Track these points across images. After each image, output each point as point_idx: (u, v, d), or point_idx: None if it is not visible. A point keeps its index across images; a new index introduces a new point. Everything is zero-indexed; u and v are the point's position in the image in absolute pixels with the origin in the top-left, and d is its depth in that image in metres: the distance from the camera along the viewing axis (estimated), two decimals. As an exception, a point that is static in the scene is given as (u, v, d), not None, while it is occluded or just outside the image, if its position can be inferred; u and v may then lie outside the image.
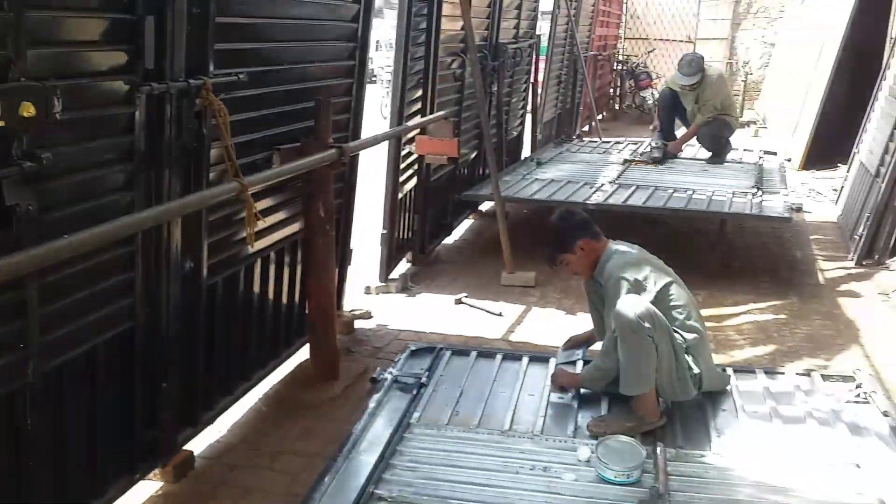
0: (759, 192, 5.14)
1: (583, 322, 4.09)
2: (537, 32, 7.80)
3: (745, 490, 2.48)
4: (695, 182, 5.49)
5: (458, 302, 4.49)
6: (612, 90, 14.07)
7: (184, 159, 2.35)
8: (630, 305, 2.74)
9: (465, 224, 6.21)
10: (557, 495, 2.48)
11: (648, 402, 2.83)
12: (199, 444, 2.83)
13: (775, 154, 6.94)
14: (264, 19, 2.88)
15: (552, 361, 3.44)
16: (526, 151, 7.64)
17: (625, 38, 15.46)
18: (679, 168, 6.11)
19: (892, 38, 6.72)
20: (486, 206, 6.50)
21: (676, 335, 2.85)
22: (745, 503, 2.40)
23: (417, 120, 4.52)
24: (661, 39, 15.31)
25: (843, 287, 4.69)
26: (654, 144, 6.42)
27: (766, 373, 3.28)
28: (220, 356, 2.90)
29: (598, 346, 3.33)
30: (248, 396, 3.19)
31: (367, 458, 2.73)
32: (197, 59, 2.36)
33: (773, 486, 2.49)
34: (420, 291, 4.70)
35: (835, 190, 7.07)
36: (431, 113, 4.71)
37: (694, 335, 2.90)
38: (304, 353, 3.59)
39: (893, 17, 6.99)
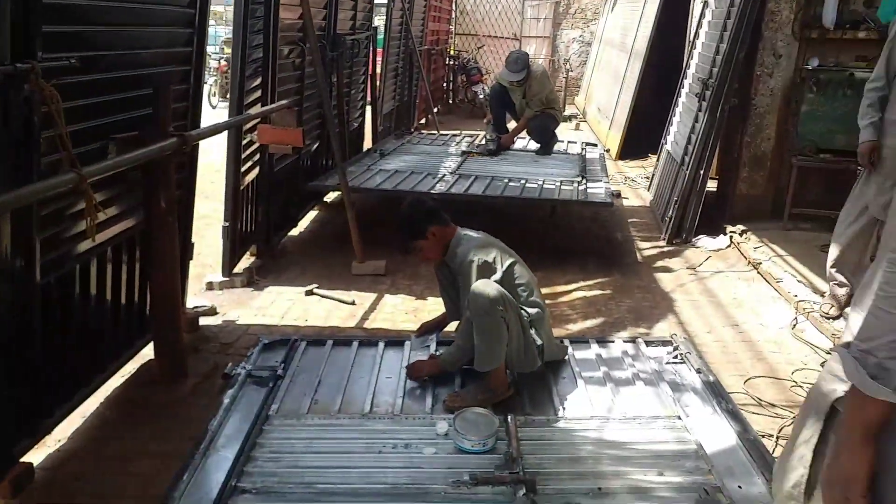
0: (584, 181, 5.59)
1: (433, 306, 4.25)
2: (374, 24, 7.86)
3: (587, 447, 2.74)
4: (526, 172, 5.85)
5: (310, 293, 4.47)
6: (444, 84, 14.47)
7: (12, 149, 2.16)
8: (483, 289, 2.91)
9: (311, 215, 6.16)
10: (419, 469, 2.59)
11: (499, 377, 3.03)
12: (38, 455, 2.62)
13: (596, 146, 7.55)
14: (96, 1, 2.71)
15: (407, 345, 3.56)
16: (367, 143, 7.70)
17: (455, 34, 15.94)
18: (512, 159, 6.47)
19: (689, 42, 7.55)
20: (330, 198, 6.51)
21: (522, 311, 3.08)
22: (587, 459, 2.66)
23: (259, 109, 4.42)
24: (490, 36, 15.98)
25: (658, 264, 5.24)
26: (488, 137, 6.75)
27: (597, 342, 3.62)
28: (57, 360, 2.70)
29: (451, 326, 3.51)
30: (90, 401, 3.00)
31: (226, 453, 2.69)
32: (24, 41, 2.18)
33: (610, 442, 2.77)
34: (267, 285, 4.61)
35: (647, 178, 7.83)
36: (272, 102, 4.63)
37: (536, 310, 3.14)
38: (147, 353, 3.42)
39: (691, 23, 7.85)
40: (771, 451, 2.75)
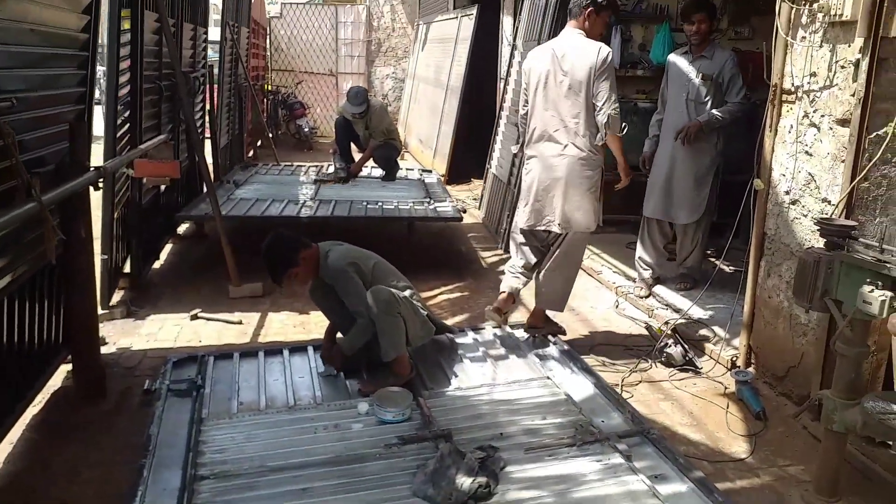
0: (432, 201, 6.30)
1: (318, 317, 4.66)
2: (208, 61, 8.06)
3: (484, 407, 3.37)
4: (379, 196, 6.45)
5: (195, 317, 4.67)
6: (265, 118, 14.66)
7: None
8: (377, 296, 3.44)
9: (167, 248, 6.25)
10: (352, 441, 3.06)
11: (403, 362, 3.57)
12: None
13: (431, 172, 8.34)
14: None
15: (310, 350, 3.97)
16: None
17: (272, 70, 16.20)
18: (362, 185, 7.03)
19: (501, 79, 8.63)
20: (182, 230, 6.62)
21: (406, 291, 3.66)
22: (486, 415, 3.28)
23: (141, 144, 4.59)
24: (307, 72, 16.44)
25: (501, 268, 6.03)
26: (337, 165, 7.26)
27: (472, 330, 4.29)
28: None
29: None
30: (14, 429, 3.08)
31: (173, 452, 2.97)
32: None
33: (500, 400, 3.43)
34: (147, 314, 4.73)
35: (474, 199, 8.76)
36: (140, 137, 4.81)
37: (410, 290, 3.73)
38: (58, 378, 3.52)
39: (500, 63, 8.96)
40: (618, 396, 3.54)
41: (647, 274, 5.23)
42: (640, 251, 5.31)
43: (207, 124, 7.74)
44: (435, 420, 3.18)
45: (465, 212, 6.31)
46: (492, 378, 3.69)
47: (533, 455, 2.97)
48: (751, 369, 3.78)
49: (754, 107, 6.10)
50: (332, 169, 7.36)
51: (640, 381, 3.87)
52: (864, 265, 2.36)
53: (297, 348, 4.00)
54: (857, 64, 2.96)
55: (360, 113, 7.05)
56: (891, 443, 2.98)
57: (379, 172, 7.50)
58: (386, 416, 3.20)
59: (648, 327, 4.26)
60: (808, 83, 3.27)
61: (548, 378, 3.69)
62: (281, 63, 16.39)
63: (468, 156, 9.93)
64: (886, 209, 3.03)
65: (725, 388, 3.74)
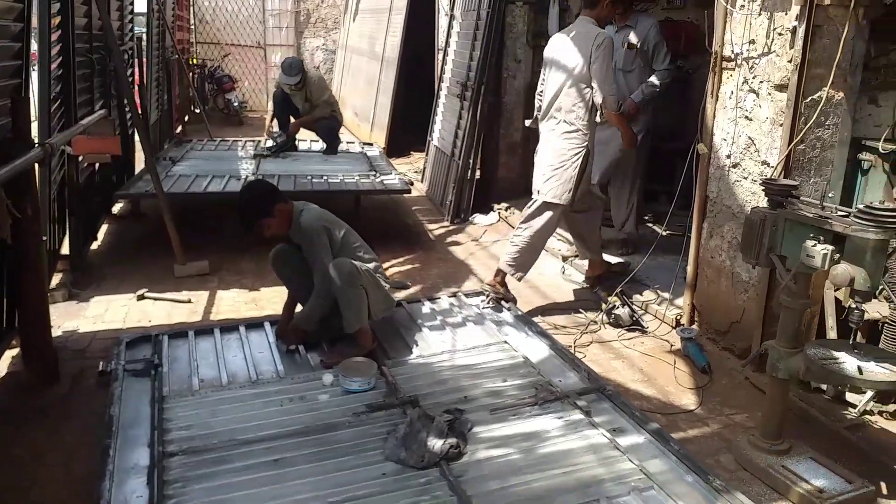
0: (377, 174, 6.28)
1: (269, 294, 4.65)
2: (136, 34, 7.74)
3: (446, 373, 3.44)
4: (323, 170, 6.38)
5: (142, 297, 4.56)
6: (191, 92, 14.18)
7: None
8: (340, 268, 3.43)
9: (104, 228, 6.03)
10: (320, 411, 3.08)
11: (365, 332, 3.60)
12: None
13: (371, 145, 8.28)
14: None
15: (267, 326, 3.94)
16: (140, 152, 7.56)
17: (197, 43, 15.64)
18: (304, 159, 6.93)
19: (440, 50, 8.62)
20: (117, 209, 6.41)
21: (367, 268, 3.68)
22: (449, 380, 3.36)
23: (80, 121, 4.40)
24: (234, 45, 15.93)
25: (449, 240, 6.12)
26: (276, 136, 7.14)
27: (428, 300, 4.34)
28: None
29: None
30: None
31: (139, 431, 2.92)
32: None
33: (461, 365, 3.51)
34: (91, 296, 4.59)
35: (416, 172, 8.76)
36: (75, 112, 4.62)
37: (375, 263, 3.75)
38: (3, 364, 3.39)
39: (438, 34, 8.93)
40: (573, 356, 3.67)
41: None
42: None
43: (137, 99, 7.45)
44: (400, 387, 3.24)
45: (412, 184, 6.33)
46: (451, 345, 3.76)
47: (498, 415, 3.06)
48: (694, 326, 3.98)
49: (686, 75, 6.33)
50: (270, 143, 7.22)
51: (592, 342, 4.02)
52: (806, 221, 2.52)
53: (253, 324, 3.97)
54: (793, 31, 3.12)
55: (297, 84, 6.93)
56: (825, 388, 3.22)
57: (318, 147, 7.41)
58: (352, 386, 3.24)
59: (597, 291, 4.41)
60: (748, 50, 3.43)
61: (505, 342, 3.79)
62: (206, 35, 15.82)
63: (407, 128, 9.91)
64: (820, 170, 3.23)
65: (671, 345, 3.94)
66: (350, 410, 3.07)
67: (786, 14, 3.17)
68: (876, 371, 2.47)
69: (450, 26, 7.95)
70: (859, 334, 3.12)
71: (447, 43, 7.97)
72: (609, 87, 4.14)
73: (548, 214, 4.31)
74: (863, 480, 2.60)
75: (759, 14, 3.32)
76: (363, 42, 13.04)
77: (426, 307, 4.24)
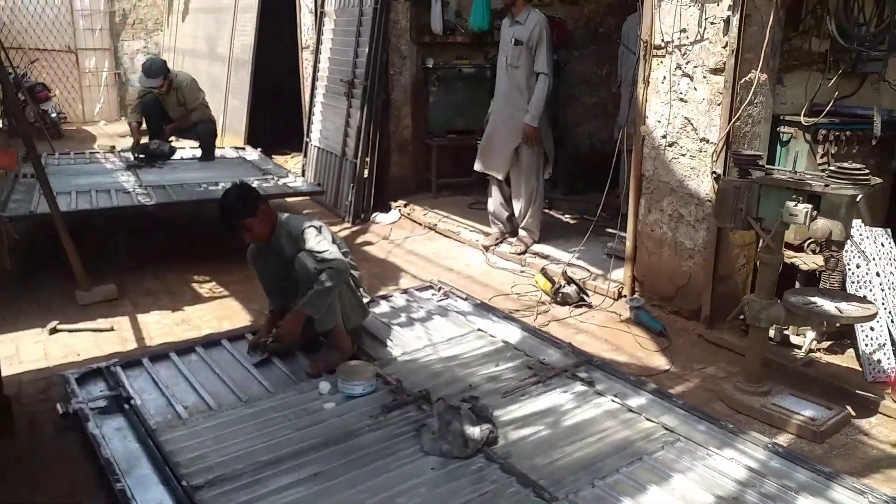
0: (274, 177, 6.02)
1: (197, 312, 4.35)
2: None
3: (436, 366, 3.45)
4: (212, 176, 5.97)
5: (54, 330, 4.03)
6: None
7: None
8: (340, 264, 3.32)
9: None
10: (333, 419, 2.97)
11: (342, 335, 3.49)
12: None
13: (244, 148, 7.88)
14: None
15: (226, 343, 3.68)
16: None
17: (-4, 48, 13.83)
18: (184, 168, 6.42)
19: (304, 47, 8.39)
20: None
21: (354, 272, 3.58)
22: (444, 372, 3.37)
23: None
24: (40, 49, 14.30)
25: (359, 240, 6.02)
26: (152, 145, 6.57)
27: (383, 299, 4.29)
28: None
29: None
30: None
31: (143, 470, 2.65)
32: None
33: (447, 357, 3.54)
34: (-11, 335, 3.99)
35: (293, 173, 8.46)
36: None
37: (358, 272, 3.67)
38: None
39: (300, 30, 8.67)
40: (548, 335, 3.82)
41: (497, 228, 5.58)
42: (490, 207, 5.63)
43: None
44: (402, 384, 3.19)
45: (320, 185, 6.15)
46: (428, 339, 3.76)
47: (510, 398, 3.14)
48: (637, 296, 4.30)
49: (557, 65, 6.72)
50: (142, 154, 6.62)
51: (549, 322, 4.20)
52: (785, 185, 2.87)
53: (210, 343, 3.70)
54: (727, 20, 3.49)
55: (160, 86, 6.44)
56: (772, 335, 3.63)
57: (190, 154, 6.94)
58: (355, 391, 3.14)
59: (545, 273, 4.60)
60: (679, 38, 3.77)
61: (479, 330, 3.86)
62: (7, 40, 14.03)
63: (268, 131, 9.53)
64: (752, 143, 3.65)
65: (620, 315, 4.23)
66: (363, 415, 2.99)
67: (717, 5, 3.53)
68: (850, 308, 2.87)
69: (320, 23, 7.78)
70: (797, 283, 3.59)
71: (318, 41, 7.79)
72: None
73: None
74: (838, 406, 3.01)
75: (690, 6, 3.67)
76: (199, 43, 12.32)
77: (384, 306, 4.19)
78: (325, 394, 3.17)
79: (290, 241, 3.43)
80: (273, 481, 2.56)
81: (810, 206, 2.77)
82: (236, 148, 7.85)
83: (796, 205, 2.79)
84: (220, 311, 4.41)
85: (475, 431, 2.76)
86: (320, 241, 3.36)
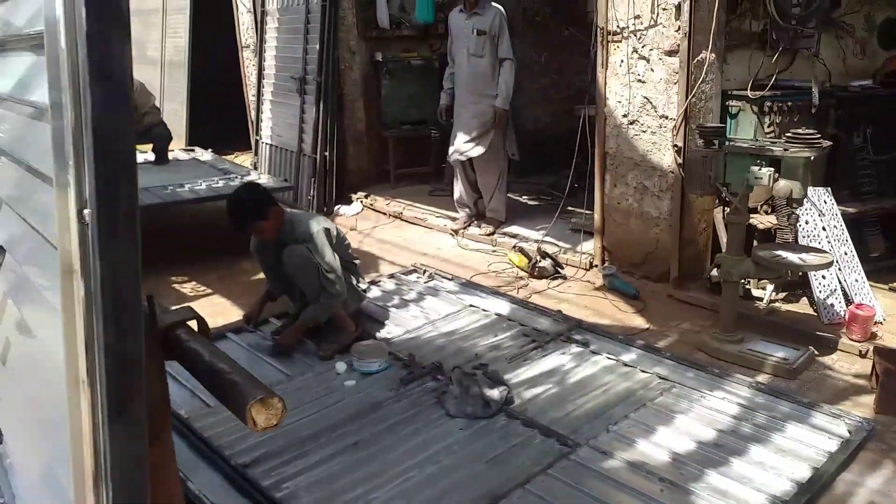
0: (237, 176, 6.07)
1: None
2: None
3: (439, 341, 3.69)
4: (175, 178, 5.97)
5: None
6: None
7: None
8: (339, 281, 3.52)
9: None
10: (355, 395, 3.17)
11: (343, 318, 3.67)
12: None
13: (194, 149, 7.82)
14: None
15: (230, 335, 3.79)
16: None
17: None
18: (145, 172, 6.36)
19: (245, 46, 8.38)
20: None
21: (352, 262, 3.77)
22: (448, 346, 3.61)
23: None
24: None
25: (327, 232, 6.16)
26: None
27: (373, 284, 4.47)
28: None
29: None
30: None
31: (188, 456, 2.75)
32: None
33: (448, 332, 3.78)
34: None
35: (255, 171, 8.44)
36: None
37: (358, 260, 3.85)
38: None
39: (238, 30, 8.64)
40: (535, 305, 4.11)
41: (464, 212, 5.84)
42: (456, 193, 5.89)
43: None
44: (413, 357, 3.41)
45: (287, 180, 6.23)
46: (425, 318, 3.98)
47: (515, 363, 3.40)
48: (608, 264, 4.64)
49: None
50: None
51: (531, 295, 4.49)
52: (747, 152, 3.23)
53: (217, 336, 3.79)
54: (678, 6, 3.85)
55: None
56: (758, 291, 3.99)
57: (142, 159, 6.86)
58: (371, 368, 3.34)
59: (521, 249, 4.88)
60: (633, 24, 4.10)
61: (471, 306, 4.10)
62: None
63: (211, 131, 9.45)
64: (706, 117, 4.02)
65: (594, 283, 4.56)
66: (384, 388, 3.20)
67: (669, -7, 3.88)
68: (811, 258, 3.27)
69: (262, 22, 7.80)
70: (755, 241, 3.99)
71: (262, 40, 7.81)
72: None
73: None
74: (803, 347, 3.41)
75: (643, -6, 4.00)
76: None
77: (376, 291, 4.37)
78: (342, 373, 3.35)
79: (295, 242, 3.54)
80: (317, 453, 2.74)
81: (772, 169, 3.14)
82: (186, 150, 7.80)
83: (760, 169, 3.15)
84: (209, 309, 4.48)
85: (494, 393, 3.01)
86: (328, 256, 3.50)
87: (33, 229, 1.38)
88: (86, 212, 0.96)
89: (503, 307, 4.06)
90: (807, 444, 2.68)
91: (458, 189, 5.81)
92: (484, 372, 3.20)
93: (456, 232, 5.78)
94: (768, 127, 3.94)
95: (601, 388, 3.16)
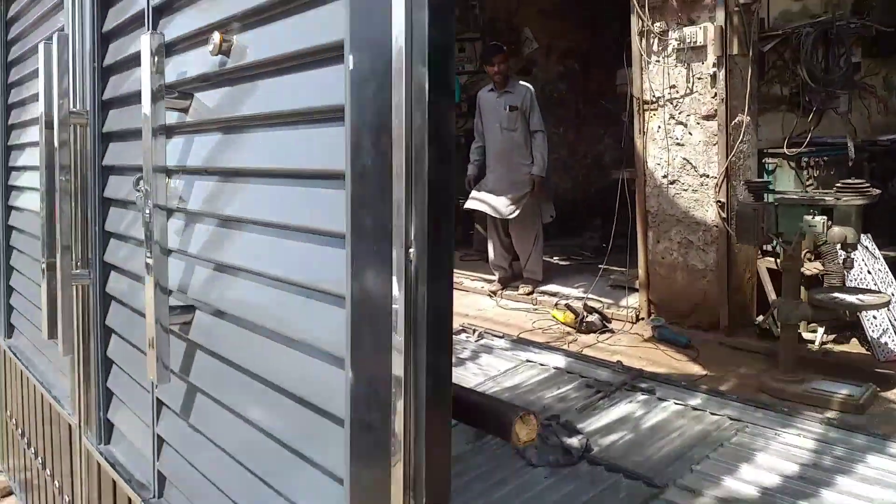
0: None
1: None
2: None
3: (504, 395, 3.76)
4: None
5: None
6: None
7: None
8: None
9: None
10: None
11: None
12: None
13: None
14: None
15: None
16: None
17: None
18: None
19: None
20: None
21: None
22: (513, 399, 3.69)
23: None
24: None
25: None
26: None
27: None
28: None
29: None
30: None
31: None
32: None
33: (511, 386, 3.84)
34: None
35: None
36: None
37: None
38: None
39: None
40: (591, 357, 4.22)
41: (500, 274, 6.02)
42: (490, 255, 6.08)
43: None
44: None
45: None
46: (484, 374, 4.07)
47: (586, 413, 3.48)
48: (654, 316, 4.78)
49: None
50: None
51: (582, 349, 4.61)
52: (801, 203, 3.43)
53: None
54: (713, 75, 4.13)
55: None
56: (808, 334, 4.12)
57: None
58: (447, 421, 3.41)
59: (568, 306, 5.03)
60: (669, 93, 4.39)
61: (528, 361, 4.21)
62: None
63: None
64: (745, 174, 4.26)
65: (643, 336, 4.68)
66: (461, 441, 3.26)
67: (703, 63, 4.18)
68: (870, 298, 3.42)
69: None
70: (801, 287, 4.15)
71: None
72: None
73: None
74: (865, 384, 3.52)
75: (676, 66, 4.31)
76: None
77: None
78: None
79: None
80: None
81: (825, 217, 3.33)
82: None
83: (813, 217, 3.34)
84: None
85: (573, 442, 3.09)
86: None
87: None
88: (411, 251, 1.10)
89: (559, 361, 4.16)
90: (891, 472, 2.76)
91: (493, 252, 6.01)
92: (558, 422, 3.29)
93: (494, 293, 5.93)
94: (808, 180, 4.17)
95: (676, 431, 3.24)
